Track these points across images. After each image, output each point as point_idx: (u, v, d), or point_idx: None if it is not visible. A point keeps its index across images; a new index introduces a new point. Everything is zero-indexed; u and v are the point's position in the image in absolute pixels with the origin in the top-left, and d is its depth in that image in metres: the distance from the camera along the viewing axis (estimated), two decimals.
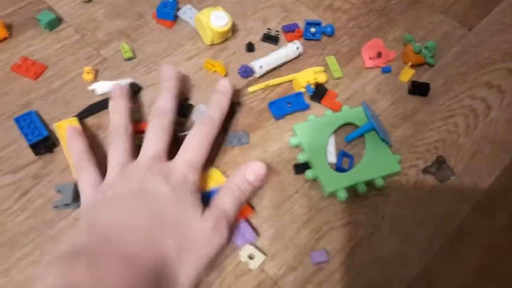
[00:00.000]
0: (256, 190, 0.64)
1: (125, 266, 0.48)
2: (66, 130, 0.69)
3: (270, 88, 0.80)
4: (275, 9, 0.90)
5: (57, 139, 0.71)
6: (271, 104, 0.77)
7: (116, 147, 0.60)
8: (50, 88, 0.76)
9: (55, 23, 0.83)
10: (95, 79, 0.78)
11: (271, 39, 0.85)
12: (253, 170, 0.59)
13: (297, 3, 0.92)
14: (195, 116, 0.74)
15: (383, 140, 0.72)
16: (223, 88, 0.69)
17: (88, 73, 0.77)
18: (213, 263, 0.58)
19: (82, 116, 0.73)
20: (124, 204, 0.55)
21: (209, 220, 0.54)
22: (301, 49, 0.82)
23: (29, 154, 0.69)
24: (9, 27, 0.82)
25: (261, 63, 0.79)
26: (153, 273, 0.49)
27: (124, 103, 0.67)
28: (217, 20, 0.80)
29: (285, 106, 0.77)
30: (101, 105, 0.74)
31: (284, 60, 0.81)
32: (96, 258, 0.47)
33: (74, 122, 0.71)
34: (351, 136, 0.74)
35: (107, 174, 0.60)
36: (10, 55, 0.80)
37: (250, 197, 0.63)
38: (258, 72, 0.79)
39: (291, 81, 0.81)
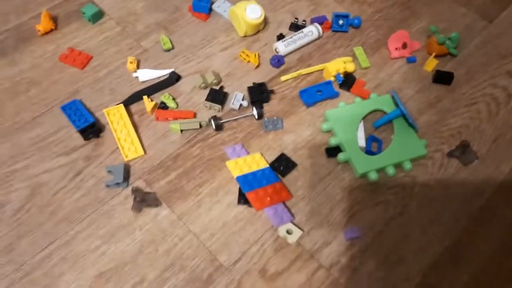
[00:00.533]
0: None
1: None
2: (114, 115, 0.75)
3: (301, 77, 0.84)
4: (304, 2, 0.95)
5: (103, 125, 0.77)
6: (302, 92, 0.82)
7: None
8: (96, 77, 0.82)
9: (98, 15, 0.88)
10: (138, 68, 0.83)
11: (298, 28, 0.90)
12: None
13: None
14: (232, 103, 0.79)
15: (410, 125, 0.76)
16: None
17: (132, 62, 0.82)
18: None
19: (127, 103, 0.78)
20: None
21: None
22: (319, 29, 0.87)
23: (80, 138, 0.75)
24: (55, 20, 0.87)
25: (284, 42, 0.85)
26: None
27: None
28: (251, 13, 0.84)
29: (316, 94, 0.82)
30: (145, 92, 0.79)
31: (303, 38, 0.86)
32: None
33: (121, 108, 0.76)
34: (379, 122, 0.78)
35: None
36: (57, 46, 0.85)
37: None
38: (283, 51, 0.85)
39: (321, 70, 0.85)
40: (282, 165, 0.74)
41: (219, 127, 0.77)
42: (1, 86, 0.80)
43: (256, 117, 0.78)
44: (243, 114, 0.79)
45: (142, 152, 0.74)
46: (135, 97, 0.79)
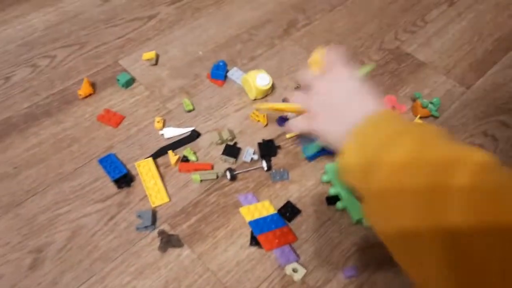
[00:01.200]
0: None
1: None
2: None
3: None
4: (305, 70, 1.10)
5: (134, 176, 0.89)
6: (305, 148, 0.95)
7: None
8: (128, 134, 0.95)
9: (130, 82, 1.03)
10: (164, 127, 0.96)
11: None
12: None
13: None
14: (244, 156, 0.92)
15: None
16: None
17: (158, 122, 0.95)
18: None
19: (155, 156, 0.91)
20: None
21: None
22: None
23: (114, 187, 0.87)
24: (93, 85, 1.02)
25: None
26: None
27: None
28: (261, 80, 0.99)
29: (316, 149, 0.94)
30: (170, 147, 0.92)
31: None
32: None
33: (150, 161, 0.89)
34: None
35: None
36: (95, 108, 0.99)
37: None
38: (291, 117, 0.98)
39: None
40: (288, 211, 0.85)
41: (233, 178, 0.89)
42: (47, 142, 0.93)
43: (265, 169, 0.90)
44: (254, 166, 0.91)
45: (167, 199, 0.85)
46: (161, 152, 0.92)
